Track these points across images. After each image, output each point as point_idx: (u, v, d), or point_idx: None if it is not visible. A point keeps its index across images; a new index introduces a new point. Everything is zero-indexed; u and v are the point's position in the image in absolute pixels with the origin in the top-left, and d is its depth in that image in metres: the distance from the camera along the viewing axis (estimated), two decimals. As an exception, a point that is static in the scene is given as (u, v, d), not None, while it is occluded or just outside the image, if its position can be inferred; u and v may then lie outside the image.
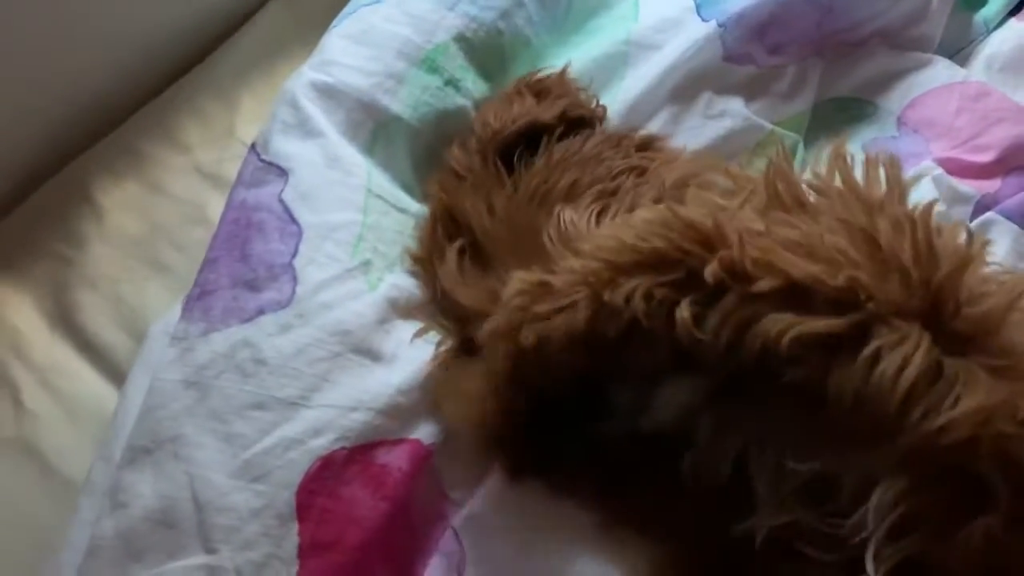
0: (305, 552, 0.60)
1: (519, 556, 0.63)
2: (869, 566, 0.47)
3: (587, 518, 0.63)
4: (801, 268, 0.48)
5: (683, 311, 0.49)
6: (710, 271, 0.49)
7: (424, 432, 0.66)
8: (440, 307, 0.68)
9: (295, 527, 0.60)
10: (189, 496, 0.61)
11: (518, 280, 0.56)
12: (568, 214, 0.62)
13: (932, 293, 0.49)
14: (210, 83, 0.97)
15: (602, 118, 0.80)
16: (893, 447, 0.47)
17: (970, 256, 0.51)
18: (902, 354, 0.47)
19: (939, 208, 0.81)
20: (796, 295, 0.48)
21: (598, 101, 0.81)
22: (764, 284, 0.48)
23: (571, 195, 0.68)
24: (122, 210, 0.90)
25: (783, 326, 0.47)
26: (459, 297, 0.66)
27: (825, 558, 0.50)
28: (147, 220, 0.89)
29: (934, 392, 0.47)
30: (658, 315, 0.50)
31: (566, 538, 0.63)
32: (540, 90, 0.77)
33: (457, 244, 0.69)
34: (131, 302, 0.85)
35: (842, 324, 0.47)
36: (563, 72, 0.80)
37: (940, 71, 0.95)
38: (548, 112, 0.73)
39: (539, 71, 0.81)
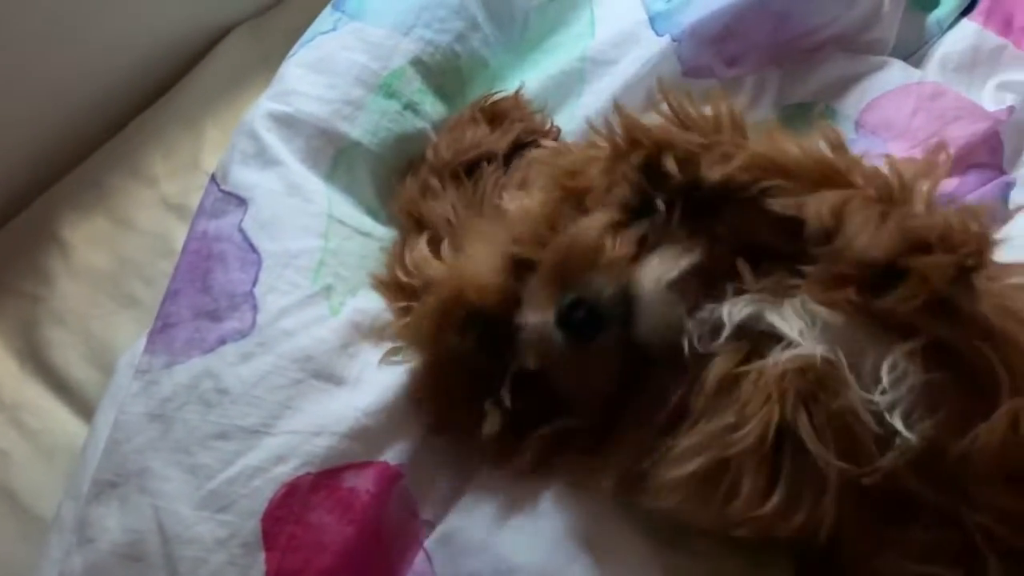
0: (273, 580, 0.60)
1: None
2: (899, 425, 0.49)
3: (562, 522, 0.63)
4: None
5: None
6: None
7: (392, 454, 0.66)
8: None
9: (261, 556, 0.60)
10: (155, 529, 0.61)
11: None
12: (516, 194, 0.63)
13: None
14: (175, 114, 0.98)
15: (556, 139, 0.81)
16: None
17: None
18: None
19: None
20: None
21: (553, 122, 0.82)
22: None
23: (523, 186, 0.70)
24: (89, 245, 0.91)
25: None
26: (428, 270, 0.67)
27: None
28: (115, 254, 0.90)
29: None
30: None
31: (542, 554, 0.63)
32: (495, 114, 0.78)
33: (427, 235, 0.71)
34: (100, 337, 0.86)
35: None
36: (517, 94, 0.81)
37: (896, 73, 0.96)
38: (501, 141, 0.75)
39: (494, 94, 0.81)
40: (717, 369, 0.53)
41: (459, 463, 0.69)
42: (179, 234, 0.86)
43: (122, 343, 0.83)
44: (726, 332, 0.53)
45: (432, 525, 0.67)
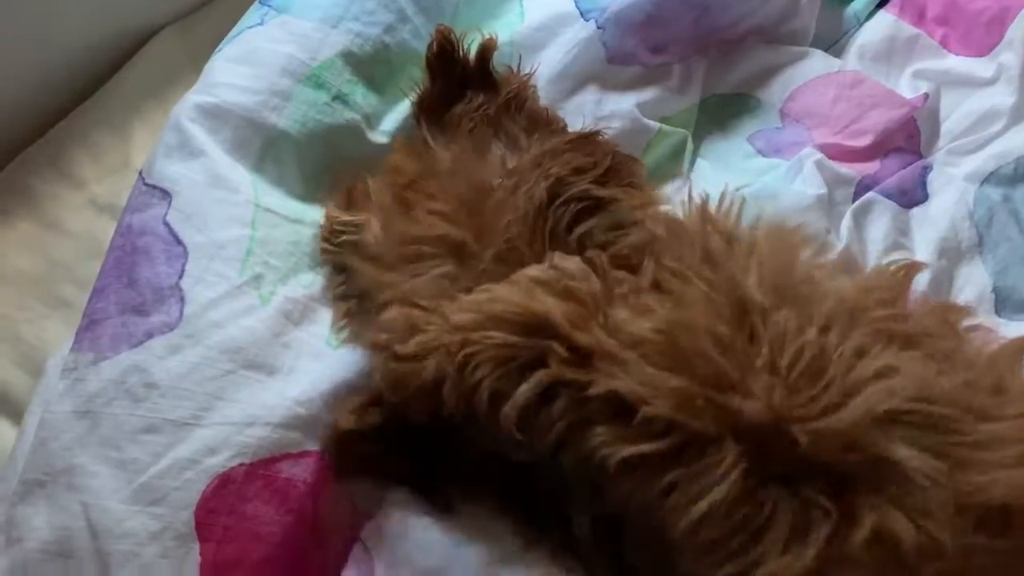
0: (208, 571, 0.60)
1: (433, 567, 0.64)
2: None
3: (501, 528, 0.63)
4: (631, 387, 0.52)
5: (511, 409, 0.53)
6: (547, 372, 0.53)
7: None
8: None
9: (196, 547, 0.60)
10: (84, 525, 0.60)
11: (392, 313, 0.61)
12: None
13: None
14: (102, 116, 0.96)
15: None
16: None
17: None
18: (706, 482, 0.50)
19: (821, 191, 0.86)
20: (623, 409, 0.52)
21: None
22: (595, 389, 0.52)
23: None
24: (17, 249, 0.88)
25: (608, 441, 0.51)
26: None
27: None
28: (44, 257, 0.88)
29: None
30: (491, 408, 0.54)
31: (477, 548, 0.63)
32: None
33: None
34: (30, 340, 0.83)
35: (660, 447, 0.51)
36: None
37: (817, 63, 1.00)
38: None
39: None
40: None
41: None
42: (110, 235, 0.85)
43: (52, 346, 0.81)
44: None
45: (369, 515, 0.67)
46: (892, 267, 0.64)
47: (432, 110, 0.80)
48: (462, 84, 0.79)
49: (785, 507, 0.49)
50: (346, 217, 0.74)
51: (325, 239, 0.75)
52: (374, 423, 0.62)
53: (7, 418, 0.80)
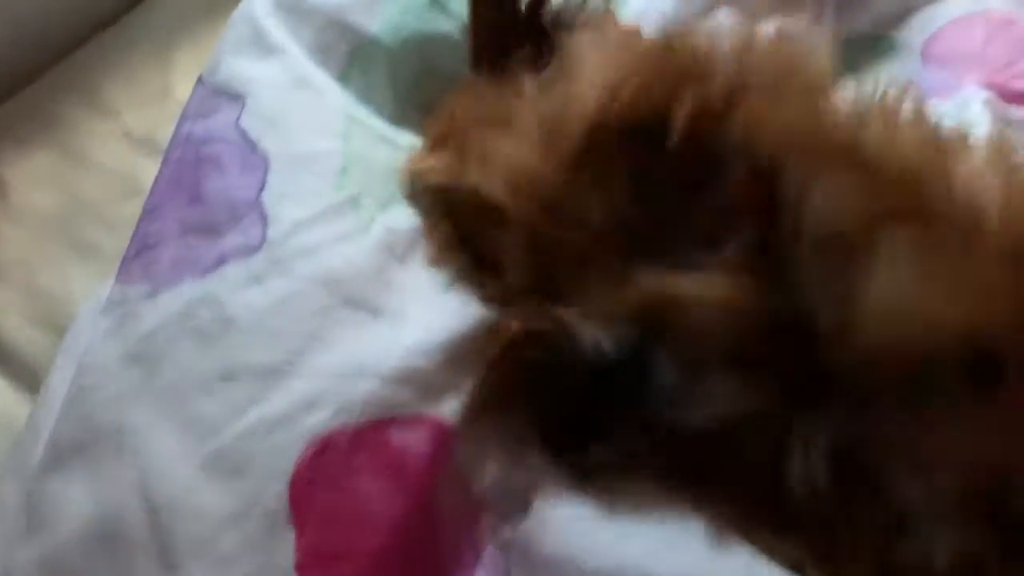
0: (307, 565, 0.45)
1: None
2: None
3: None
4: None
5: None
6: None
7: (449, 408, 0.51)
8: None
9: (291, 532, 0.45)
10: (140, 499, 0.46)
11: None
12: None
13: None
14: (140, 36, 0.85)
15: None
16: None
17: None
18: None
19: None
20: None
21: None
22: None
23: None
24: (33, 183, 0.76)
25: None
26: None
27: None
28: (65, 194, 0.76)
29: None
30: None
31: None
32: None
33: None
34: (49, 291, 0.70)
35: None
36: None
37: (960, 1, 0.88)
38: None
39: None
40: None
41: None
42: (147, 171, 0.72)
43: (76, 298, 0.68)
44: None
45: (494, 504, 0.52)
46: None
47: (480, 48, 0.67)
48: (509, 29, 0.66)
49: None
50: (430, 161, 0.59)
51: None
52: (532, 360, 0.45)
53: (18, 385, 0.66)
